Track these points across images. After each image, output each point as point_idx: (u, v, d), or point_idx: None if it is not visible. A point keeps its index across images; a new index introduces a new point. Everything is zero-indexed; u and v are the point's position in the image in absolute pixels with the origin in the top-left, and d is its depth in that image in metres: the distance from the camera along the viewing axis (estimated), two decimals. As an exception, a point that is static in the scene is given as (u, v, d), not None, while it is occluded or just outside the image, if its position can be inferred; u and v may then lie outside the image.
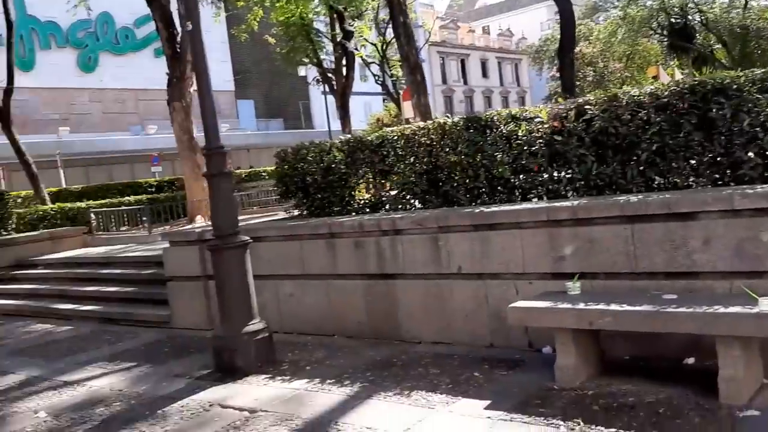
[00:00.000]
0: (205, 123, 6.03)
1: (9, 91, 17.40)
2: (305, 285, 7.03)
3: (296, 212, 8.18)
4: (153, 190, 21.09)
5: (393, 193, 7.31)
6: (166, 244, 8.52)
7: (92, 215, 13.92)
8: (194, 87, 15.25)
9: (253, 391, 5.35)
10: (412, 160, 6.84)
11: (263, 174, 23.50)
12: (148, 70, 38.31)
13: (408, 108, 17.35)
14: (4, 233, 12.74)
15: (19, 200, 17.11)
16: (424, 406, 4.56)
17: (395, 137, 7.02)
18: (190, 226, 13.88)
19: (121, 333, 8.26)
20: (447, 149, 6.49)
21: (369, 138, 7.36)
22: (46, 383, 6.29)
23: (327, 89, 27.57)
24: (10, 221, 13.20)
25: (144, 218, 13.52)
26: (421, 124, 7.21)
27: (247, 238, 6.15)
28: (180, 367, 6.34)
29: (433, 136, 6.63)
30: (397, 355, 5.85)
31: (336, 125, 32.40)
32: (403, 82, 32.54)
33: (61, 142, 30.94)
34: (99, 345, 7.73)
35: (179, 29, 15.00)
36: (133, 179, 25.52)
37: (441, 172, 6.64)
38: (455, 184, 6.56)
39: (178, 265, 8.20)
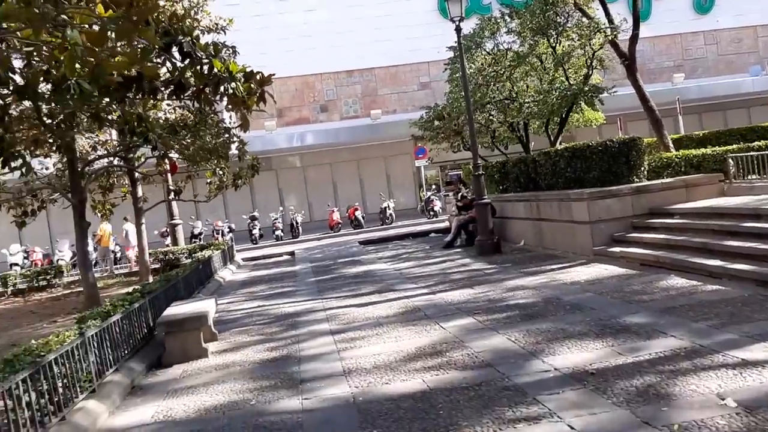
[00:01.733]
0: None
1: (635, 37, 16.93)
2: None
3: None
4: (785, 134, 18.07)
5: None
6: None
7: (730, 161, 12.32)
8: None
9: None
10: None
11: None
12: (771, 1, 34.06)
13: None
14: (636, 180, 12.36)
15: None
16: None
17: None
18: None
19: (793, 303, 6.63)
20: None
21: None
22: (717, 357, 5.21)
23: None
24: (642, 168, 12.76)
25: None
26: None
27: None
28: None
29: None
30: None
31: None
32: None
33: (675, 89, 30.03)
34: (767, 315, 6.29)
35: None
36: (749, 124, 22.65)
37: None
38: None
39: None
